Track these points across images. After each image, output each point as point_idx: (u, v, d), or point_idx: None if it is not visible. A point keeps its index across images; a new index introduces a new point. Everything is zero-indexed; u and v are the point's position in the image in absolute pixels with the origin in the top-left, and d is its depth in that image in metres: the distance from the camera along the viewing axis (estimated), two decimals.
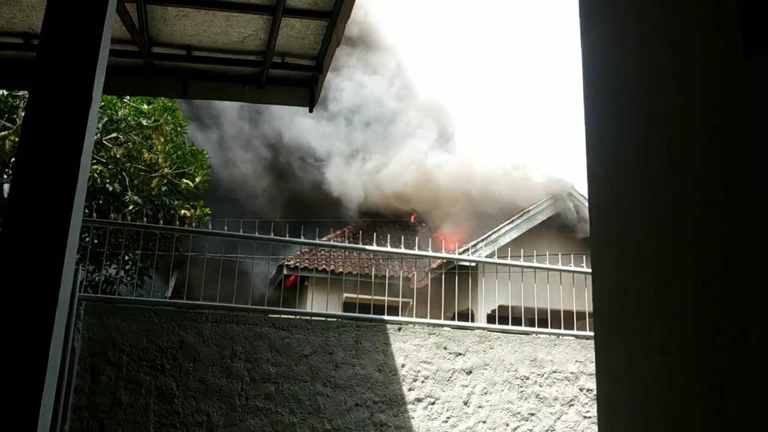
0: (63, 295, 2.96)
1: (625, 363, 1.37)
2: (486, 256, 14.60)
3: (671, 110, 1.29)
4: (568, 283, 6.82)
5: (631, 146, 1.43)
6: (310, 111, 6.14)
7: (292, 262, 15.64)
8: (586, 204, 16.01)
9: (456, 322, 5.89)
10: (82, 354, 4.84)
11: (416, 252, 6.21)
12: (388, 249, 6.07)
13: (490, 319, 10.61)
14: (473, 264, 14.84)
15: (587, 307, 6.62)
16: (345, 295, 12.40)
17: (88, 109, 2.89)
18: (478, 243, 15.31)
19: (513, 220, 15.63)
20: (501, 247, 15.13)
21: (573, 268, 6.64)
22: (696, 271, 1.16)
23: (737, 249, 1.07)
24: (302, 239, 5.82)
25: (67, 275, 2.98)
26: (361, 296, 6.50)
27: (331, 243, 8.50)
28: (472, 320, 13.14)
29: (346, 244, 6.30)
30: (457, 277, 7.22)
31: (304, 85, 5.95)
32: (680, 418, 1.17)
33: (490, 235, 15.49)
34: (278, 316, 5.40)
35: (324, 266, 15.67)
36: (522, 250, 8.44)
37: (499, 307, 9.70)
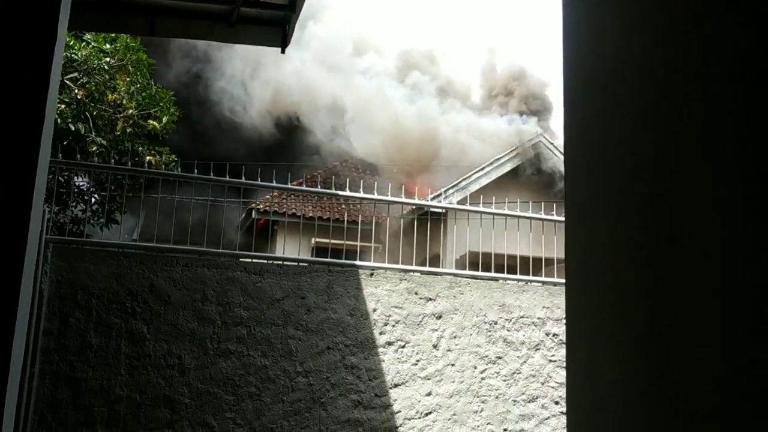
0: (32, 237, 2.89)
1: (595, 313, 1.38)
2: (456, 203, 14.70)
3: (650, 61, 1.27)
4: (535, 230, 6.91)
5: (608, 98, 1.41)
6: (282, 52, 5.99)
7: (262, 206, 15.56)
8: (555, 152, 16.09)
9: (427, 268, 5.94)
10: (50, 297, 4.78)
11: (388, 198, 6.20)
12: (360, 195, 6.05)
13: (459, 264, 10.75)
14: (443, 210, 14.96)
15: (555, 254, 6.72)
16: (315, 239, 12.40)
17: (53, 46, 2.77)
18: (448, 189, 15.37)
19: (483, 168, 15.70)
20: (471, 193, 15.25)
21: (541, 215, 6.72)
22: (669, 220, 1.16)
23: (711, 201, 1.06)
24: (273, 183, 5.76)
25: (35, 217, 2.91)
26: (332, 241, 6.49)
27: (303, 188, 8.44)
28: (442, 266, 13.32)
29: (318, 189, 6.26)
30: (429, 223, 7.26)
31: (277, 24, 5.79)
32: (640, 372, 1.19)
33: (460, 182, 15.56)
34: (250, 260, 5.37)
35: (294, 210, 15.64)
36: (494, 197, 8.49)
37: (469, 252, 9.82)
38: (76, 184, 10.53)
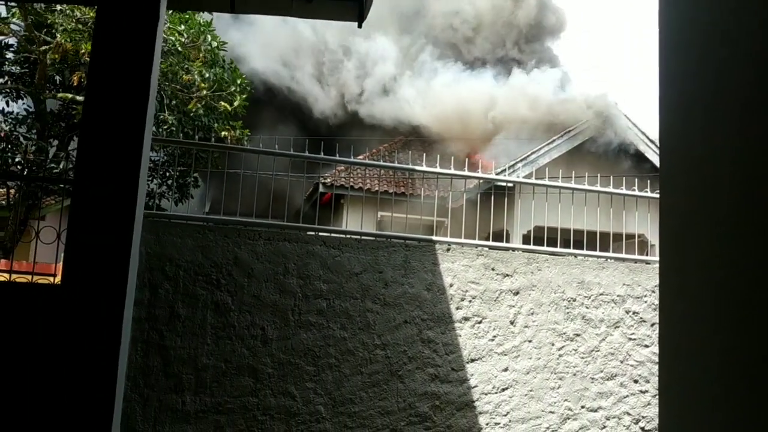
0: (138, 211, 2.99)
1: (689, 296, 1.35)
2: (524, 177, 14.51)
3: (749, 55, 1.21)
4: (605, 205, 6.73)
5: (707, 81, 1.36)
6: (359, 26, 6.00)
7: (328, 180, 15.73)
8: (629, 124, 15.64)
9: (504, 244, 5.90)
10: (140, 269, 4.96)
11: (452, 171, 6.16)
12: (424, 168, 6.03)
13: (526, 239, 10.62)
14: (510, 184, 14.78)
15: (623, 229, 6.55)
16: (380, 213, 12.48)
17: (156, 26, 2.84)
18: (516, 163, 15.17)
19: (553, 140, 15.41)
20: (540, 167, 15.01)
21: (609, 189, 6.53)
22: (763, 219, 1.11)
23: None
24: (338, 157, 5.81)
25: (141, 192, 3.01)
26: (396, 215, 6.49)
27: (369, 161, 8.45)
28: (507, 240, 13.20)
29: (384, 163, 6.27)
30: (493, 198, 7.20)
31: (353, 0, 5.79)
32: (738, 359, 1.15)
33: (529, 155, 15.33)
34: (329, 234, 5.44)
35: (360, 184, 15.75)
36: (561, 171, 8.33)
37: (535, 227, 9.67)
38: (151, 158, 10.86)
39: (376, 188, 14.44)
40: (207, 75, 10.35)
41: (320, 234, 5.45)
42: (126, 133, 2.75)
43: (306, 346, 5.13)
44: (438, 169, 5.95)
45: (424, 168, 5.94)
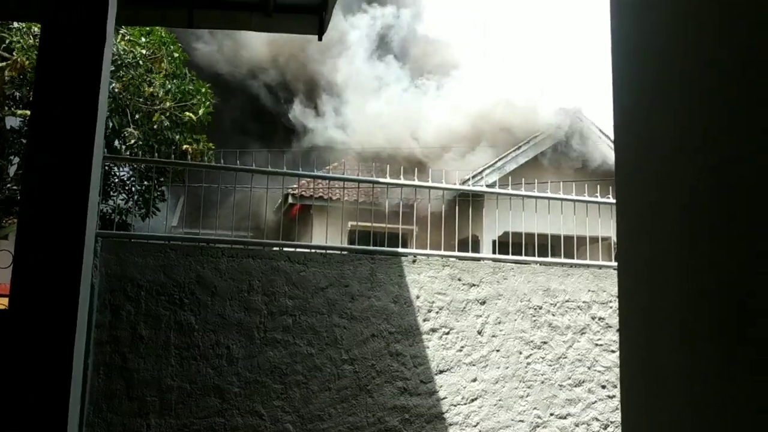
0: (89, 233, 2.92)
1: (648, 300, 1.35)
2: (491, 183, 14.59)
3: (700, 45, 1.23)
4: (571, 210, 6.80)
5: (658, 81, 1.37)
6: (320, 39, 5.98)
7: (297, 191, 15.65)
8: (593, 128, 15.82)
9: (470, 254, 5.91)
10: (100, 290, 4.87)
11: (416, 183, 6.16)
12: (389, 180, 6.02)
13: (495, 244, 10.68)
14: (481, 189, 14.82)
15: (590, 232, 6.62)
16: (351, 223, 12.45)
17: (103, 45, 2.78)
18: (484, 170, 15.25)
19: (519, 147, 15.54)
20: (506, 174, 15.12)
21: (573, 197, 6.59)
22: (727, 217, 1.12)
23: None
24: (314, 172, 5.78)
25: (92, 213, 2.94)
26: (367, 224, 6.47)
27: (340, 176, 8.42)
28: (480, 247, 13.25)
29: (353, 177, 6.25)
30: (457, 207, 7.22)
31: (313, 12, 5.77)
32: (701, 358, 1.16)
33: (496, 162, 15.43)
34: (294, 250, 5.40)
35: (329, 195, 15.68)
36: (523, 179, 8.38)
37: (504, 233, 9.71)
38: (117, 174, 10.70)
39: (346, 198, 14.42)
40: (170, 86, 10.23)
41: (285, 249, 5.41)
42: (73, 153, 2.68)
43: (272, 363, 5.08)
44: (402, 181, 5.95)
45: (389, 180, 5.93)
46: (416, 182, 6.00)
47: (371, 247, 5.59)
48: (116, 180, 10.34)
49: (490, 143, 16.96)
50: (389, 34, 20.82)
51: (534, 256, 6.47)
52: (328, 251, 5.47)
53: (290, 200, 15.05)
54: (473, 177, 14.71)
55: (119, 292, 4.91)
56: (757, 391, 1.01)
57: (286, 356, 5.12)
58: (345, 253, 5.48)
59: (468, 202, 7.67)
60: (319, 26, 5.76)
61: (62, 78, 2.81)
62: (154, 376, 4.85)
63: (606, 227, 6.71)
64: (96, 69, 2.85)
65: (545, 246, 6.55)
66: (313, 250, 5.44)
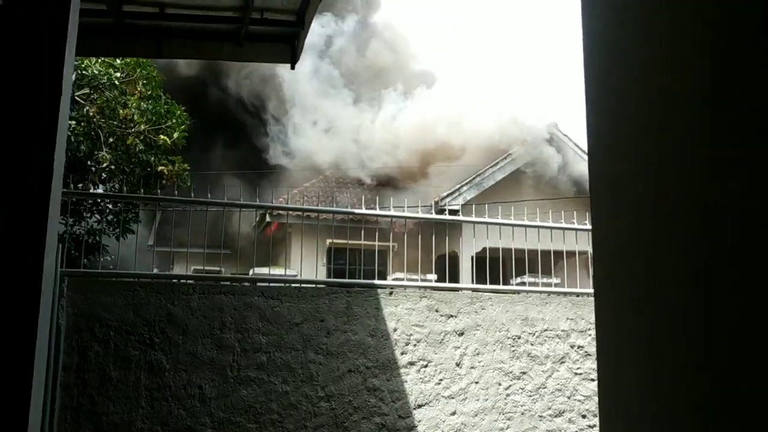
0: (47, 273, 2.80)
1: (623, 326, 1.36)
2: (469, 200, 14.58)
3: (673, 61, 1.22)
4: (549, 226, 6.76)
5: (631, 99, 1.37)
6: (292, 68, 5.90)
7: (274, 210, 15.51)
8: (570, 143, 15.88)
9: (447, 284, 5.85)
10: (68, 331, 4.73)
11: (391, 213, 6.11)
12: (364, 211, 5.97)
13: (476, 261, 10.65)
14: (457, 208, 14.80)
15: (564, 247, 6.61)
16: (329, 240, 12.33)
17: (61, 79, 2.68)
18: (462, 187, 15.23)
19: (497, 163, 15.55)
20: (485, 190, 15.11)
21: (549, 224, 6.57)
22: (693, 242, 1.13)
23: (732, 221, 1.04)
24: (272, 203, 5.69)
25: (50, 252, 2.82)
26: (345, 242, 6.37)
27: (317, 207, 8.34)
28: (455, 264, 13.17)
29: (330, 208, 6.18)
30: (434, 225, 7.17)
31: (285, 41, 5.68)
32: (671, 382, 1.17)
33: (474, 179, 15.41)
34: (267, 285, 5.29)
35: (308, 214, 15.56)
36: (509, 189, 8.38)
37: (483, 249, 9.67)
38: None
39: (324, 216, 14.31)
40: (144, 107, 10.09)
41: (259, 284, 5.30)
42: (32, 187, 2.56)
43: (247, 402, 4.95)
44: (378, 212, 5.88)
45: (364, 211, 5.86)
46: (391, 212, 5.96)
47: (347, 280, 5.51)
48: (89, 202, 10.13)
49: (462, 159, 16.94)
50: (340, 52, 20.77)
51: (512, 272, 6.44)
52: (303, 284, 5.37)
53: (267, 218, 14.91)
54: (450, 194, 14.68)
55: (87, 333, 4.77)
56: (729, 417, 1.02)
57: (260, 394, 5.00)
58: (321, 286, 5.39)
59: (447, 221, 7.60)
60: (291, 55, 5.68)
61: (18, 112, 2.69)
62: (124, 419, 4.71)
63: (583, 242, 6.73)
64: (55, 98, 2.73)
65: (522, 260, 6.52)
66: (287, 285, 5.33)
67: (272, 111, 20.37)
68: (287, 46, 5.70)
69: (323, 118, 19.45)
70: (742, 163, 1.03)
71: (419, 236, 6.78)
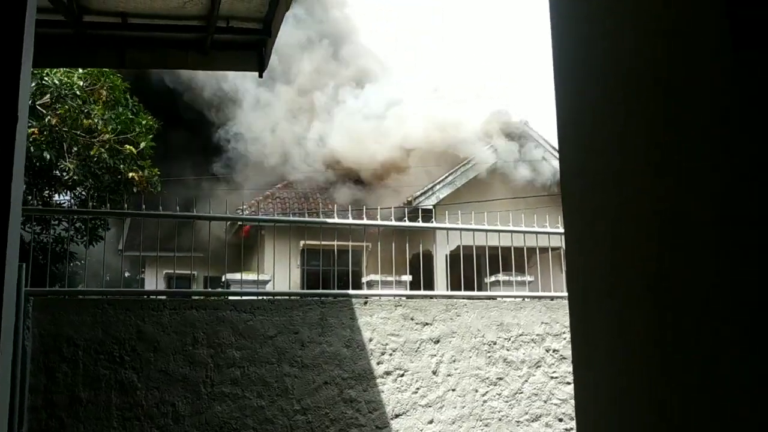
0: (8, 294, 2.71)
1: (599, 324, 1.38)
2: (443, 199, 14.59)
3: (641, 63, 1.24)
4: (522, 223, 6.77)
5: (600, 98, 1.39)
6: (260, 76, 5.81)
7: (247, 212, 15.36)
8: (542, 140, 15.99)
9: (422, 292, 5.83)
10: (34, 352, 4.60)
11: (365, 222, 6.08)
12: (337, 221, 5.91)
13: (451, 258, 10.66)
14: (430, 207, 14.79)
15: (537, 243, 6.65)
16: (302, 241, 12.23)
17: (17, 91, 2.59)
18: (435, 185, 15.24)
19: (469, 161, 15.59)
20: (459, 187, 15.14)
21: (522, 228, 6.58)
22: (657, 247, 1.16)
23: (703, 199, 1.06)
24: (261, 216, 5.60)
25: (10, 272, 2.73)
26: (318, 243, 6.30)
27: (289, 218, 8.27)
28: (430, 263, 13.16)
29: (294, 219, 6.12)
30: (408, 232, 7.13)
31: (252, 48, 5.59)
32: (645, 381, 1.19)
33: (447, 177, 15.44)
34: (240, 298, 5.21)
35: (280, 215, 15.45)
36: (463, 205, 8.37)
37: (457, 247, 9.70)
38: (58, 202, 10.31)
39: (297, 216, 14.21)
40: (107, 116, 9.87)
41: (230, 298, 5.21)
42: None
43: (221, 419, 4.87)
44: (350, 221, 5.82)
45: (336, 220, 5.80)
46: (365, 221, 5.91)
47: (320, 291, 5.45)
48: (55, 207, 9.89)
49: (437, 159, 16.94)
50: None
51: (486, 271, 6.43)
52: (276, 297, 5.30)
53: (239, 222, 14.75)
54: (423, 193, 14.68)
55: (54, 353, 4.65)
56: (706, 417, 1.03)
57: (235, 410, 4.92)
58: (294, 298, 5.32)
59: (419, 218, 7.59)
60: (258, 63, 5.59)
61: None
62: None
63: (555, 239, 6.78)
64: (10, 118, 2.62)
65: (497, 257, 6.53)
66: (260, 298, 5.25)
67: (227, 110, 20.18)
68: (254, 54, 5.61)
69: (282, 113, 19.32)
70: (703, 165, 1.05)
71: (393, 235, 6.73)
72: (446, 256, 12.41)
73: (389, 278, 8.41)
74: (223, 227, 14.05)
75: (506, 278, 8.16)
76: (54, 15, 4.80)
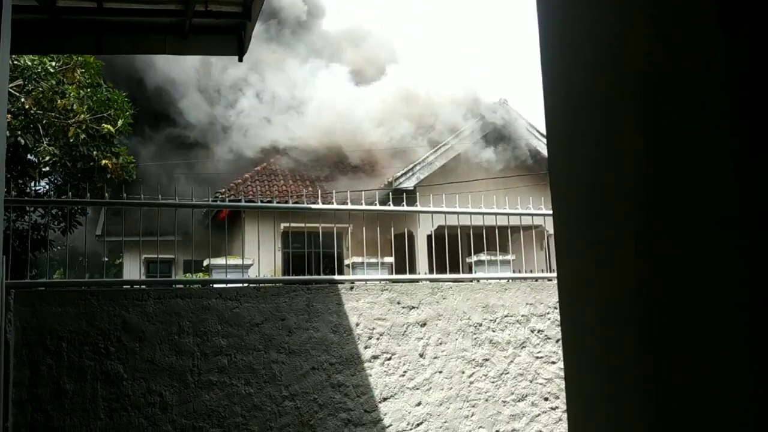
0: None
1: (586, 306, 1.40)
2: (423, 180, 14.57)
3: (630, 54, 1.23)
4: (503, 202, 6.79)
5: (585, 91, 1.39)
6: (240, 60, 5.72)
7: (225, 195, 15.22)
8: (521, 120, 15.99)
9: (408, 276, 5.83)
10: (17, 345, 4.53)
11: (350, 207, 6.03)
12: (321, 206, 5.87)
13: (431, 239, 10.67)
14: (411, 188, 14.78)
15: (519, 222, 6.70)
16: (283, 224, 12.17)
17: None
18: (415, 166, 15.21)
19: (447, 142, 15.57)
20: (442, 166, 15.13)
21: (507, 210, 6.61)
22: (649, 211, 1.16)
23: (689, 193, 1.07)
24: (242, 203, 5.55)
25: None
26: (300, 225, 6.27)
27: (273, 205, 8.19)
28: (412, 242, 13.18)
29: (285, 205, 6.07)
30: (391, 205, 7.11)
31: (232, 32, 5.49)
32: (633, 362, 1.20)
33: (427, 158, 15.41)
34: (225, 285, 5.18)
35: (259, 197, 15.32)
36: (444, 186, 8.37)
37: (439, 227, 9.74)
38: (35, 189, 10.14)
39: (276, 200, 14.11)
40: (83, 94, 9.67)
41: (216, 286, 5.17)
42: None
43: (209, 407, 4.86)
44: (334, 206, 5.79)
45: (321, 206, 5.76)
46: (348, 206, 5.85)
47: (306, 277, 5.43)
48: (32, 195, 9.76)
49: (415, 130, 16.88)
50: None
51: (470, 250, 6.46)
52: (261, 285, 5.27)
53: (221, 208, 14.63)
54: (404, 174, 14.65)
55: (37, 346, 4.59)
56: (698, 393, 1.04)
57: (223, 398, 4.91)
58: (280, 285, 5.30)
59: (402, 200, 7.57)
60: (238, 47, 5.50)
61: None
62: None
63: (532, 218, 6.82)
64: None
65: (479, 237, 6.54)
66: (245, 285, 5.22)
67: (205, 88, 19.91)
68: (234, 38, 5.51)
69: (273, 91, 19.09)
70: (684, 153, 1.06)
71: (378, 218, 6.70)
72: (428, 236, 12.45)
73: (373, 260, 8.41)
74: (203, 210, 13.96)
75: (489, 258, 8.20)
76: (27, 0, 4.67)
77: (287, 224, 11.21)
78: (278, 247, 12.66)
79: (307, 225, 7.48)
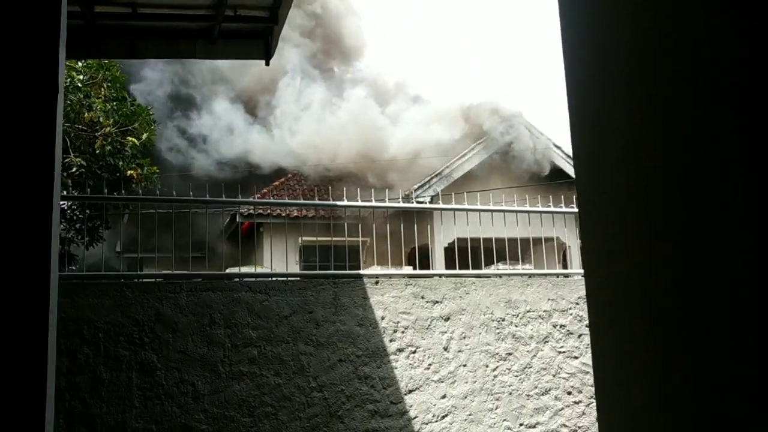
0: (53, 276, 2.82)
1: (615, 305, 1.39)
2: (441, 191, 14.68)
3: (656, 54, 1.24)
4: (521, 215, 6.89)
5: (614, 99, 1.40)
6: (267, 64, 5.91)
7: (245, 210, 15.39)
8: (536, 132, 16.11)
9: (432, 271, 5.94)
10: (56, 335, 4.68)
11: (373, 204, 6.18)
12: (346, 203, 6.02)
13: (447, 251, 10.73)
14: (427, 200, 14.88)
15: (542, 233, 6.79)
16: (302, 238, 12.30)
17: (56, 95, 2.69)
18: (432, 179, 15.33)
19: (465, 154, 15.70)
20: (456, 180, 15.24)
21: (527, 207, 6.72)
22: (683, 222, 1.15)
23: (720, 197, 1.07)
24: (257, 199, 5.71)
25: (54, 263, 2.84)
26: (317, 239, 6.44)
27: (290, 201, 8.36)
28: (428, 256, 13.27)
29: (314, 202, 6.22)
30: (404, 226, 7.25)
31: (259, 37, 5.70)
32: (666, 353, 1.20)
33: (443, 170, 15.53)
34: (254, 279, 5.32)
35: (278, 211, 15.49)
36: (465, 193, 8.50)
37: (457, 239, 9.85)
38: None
39: (295, 214, 14.28)
40: (109, 108, 9.94)
41: (245, 279, 5.32)
42: (32, 191, 2.59)
43: (240, 397, 4.98)
44: (359, 203, 5.93)
45: (346, 203, 5.91)
46: (372, 203, 6.00)
47: (333, 272, 5.56)
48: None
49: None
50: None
51: (482, 263, 6.56)
52: (289, 278, 5.41)
53: (238, 218, 14.80)
54: (420, 187, 14.79)
55: (75, 336, 4.74)
56: (723, 387, 1.04)
57: (253, 388, 5.03)
58: (307, 279, 5.43)
59: (414, 214, 7.70)
60: (265, 51, 5.70)
61: (15, 116, 2.70)
62: (118, 420, 4.70)
63: (548, 227, 6.91)
64: (51, 106, 2.74)
65: (493, 250, 6.64)
66: (274, 279, 5.36)
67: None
68: (261, 42, 5.71)
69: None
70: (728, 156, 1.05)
71: (389, 230, 6.85)
72: (445, 249, 12.53)
73: (392, 271, 8.54)
74: (220, 226, 14.15)
75: (507, 269, 8.29)
76: (67, 6, 4.89)
77: (304, 238, 11.36)
78: (295, 261, 12.80)
79: (321, 239, 7.62)
